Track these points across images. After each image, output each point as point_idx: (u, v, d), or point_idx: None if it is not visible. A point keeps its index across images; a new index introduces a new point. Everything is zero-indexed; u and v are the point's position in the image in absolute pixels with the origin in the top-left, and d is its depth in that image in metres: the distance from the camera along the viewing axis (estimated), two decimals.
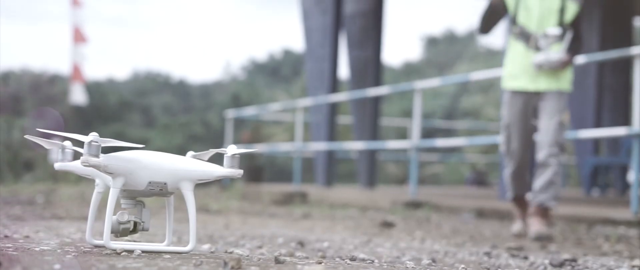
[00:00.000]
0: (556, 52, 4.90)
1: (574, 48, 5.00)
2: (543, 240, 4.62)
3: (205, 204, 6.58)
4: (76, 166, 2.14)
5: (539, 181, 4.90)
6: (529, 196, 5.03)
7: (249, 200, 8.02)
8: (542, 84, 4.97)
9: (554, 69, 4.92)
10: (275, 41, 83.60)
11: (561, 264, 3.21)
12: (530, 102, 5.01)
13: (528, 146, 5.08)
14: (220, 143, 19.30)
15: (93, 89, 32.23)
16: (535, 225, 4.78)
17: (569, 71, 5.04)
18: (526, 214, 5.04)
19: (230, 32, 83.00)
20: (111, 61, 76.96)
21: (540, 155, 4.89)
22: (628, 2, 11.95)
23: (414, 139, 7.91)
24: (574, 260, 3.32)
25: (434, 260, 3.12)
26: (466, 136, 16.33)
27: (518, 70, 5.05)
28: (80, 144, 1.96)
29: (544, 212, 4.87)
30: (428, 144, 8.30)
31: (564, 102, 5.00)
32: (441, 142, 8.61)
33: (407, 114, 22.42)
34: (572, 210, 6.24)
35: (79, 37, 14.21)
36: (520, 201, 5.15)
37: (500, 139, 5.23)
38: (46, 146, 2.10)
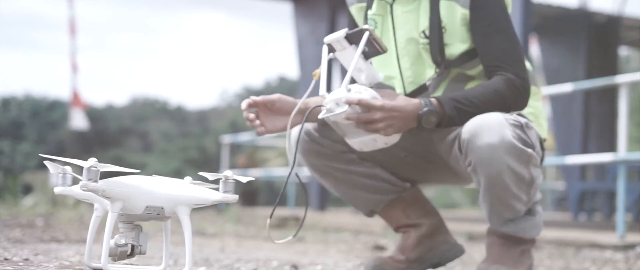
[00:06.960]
0: None
1: None
2: None
3: (202, 227, 6.62)
4: (75, 191, 2.12)
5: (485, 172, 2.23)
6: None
7: (244, 223, 8.07)
8: None
9: None
10: (271, 68, 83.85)
11: None
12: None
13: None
14: (216, 168, 19.34)
15: (92, 114, 32.29)
16: None
17: None
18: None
19: (226, 59, 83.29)
20: (110, 88, 77.13)
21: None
22: (613, 32, 12.33)
23: None
24: None
25: None
26: None
27: None
28: (79, 169, 1.99)
29: (513, 244, 2.34)
30: None
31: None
32: None
33: None
34: (560, 235, 6.32)
35: (76, 65, 14.38)
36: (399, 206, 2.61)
37: None
38: (51, 170, 2.13)
